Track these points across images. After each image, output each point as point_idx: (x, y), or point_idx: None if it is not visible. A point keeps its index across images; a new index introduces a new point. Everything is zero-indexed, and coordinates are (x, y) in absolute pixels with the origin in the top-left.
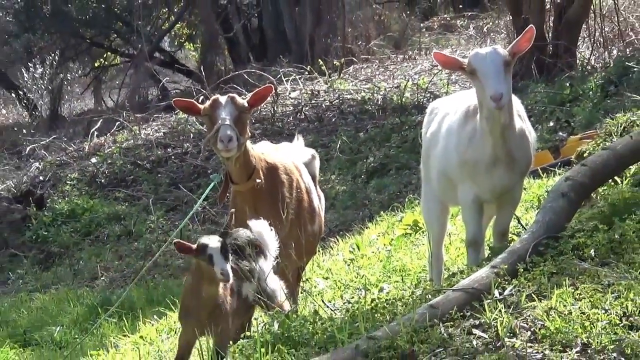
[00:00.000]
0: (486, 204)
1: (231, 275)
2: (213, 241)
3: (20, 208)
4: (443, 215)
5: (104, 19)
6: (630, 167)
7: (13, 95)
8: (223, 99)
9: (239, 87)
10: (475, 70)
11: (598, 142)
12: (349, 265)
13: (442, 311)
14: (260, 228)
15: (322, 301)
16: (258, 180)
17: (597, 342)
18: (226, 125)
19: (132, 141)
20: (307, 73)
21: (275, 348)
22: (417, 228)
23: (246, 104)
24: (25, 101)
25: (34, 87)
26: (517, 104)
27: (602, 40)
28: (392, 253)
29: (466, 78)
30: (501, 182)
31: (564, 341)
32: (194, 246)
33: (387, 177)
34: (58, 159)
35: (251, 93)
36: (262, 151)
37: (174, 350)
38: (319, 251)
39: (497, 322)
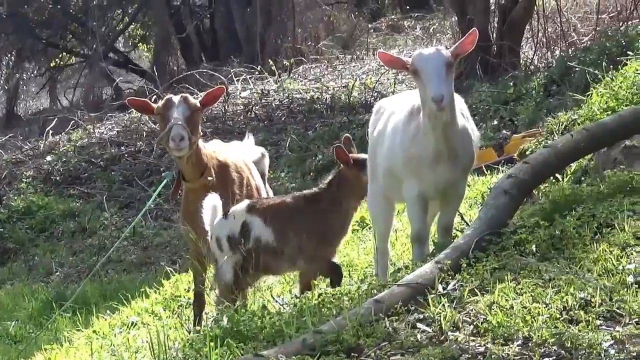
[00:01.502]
0: (431, 201)
1: None
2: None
3: None
4: (389, 211)
5: (60, 20)
6: (571, 164)
7: None
8: (176, 98)
9: (191, 87)
10: (418, 70)
11: (540, 140)
12: None
13: (387, 306)
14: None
15: (271, 296)
16: (209, 178)
17: (538, 335)
18: (178, 125)
19: (86, 140)
20: (257, 73)
21: (225, 342)
22: (364, 224)
23: (198, 104)
24: None
25: None
26: (460, 102)
27: (545, 40)
28: (339, 249)
29: (411, 77)
30: (444, 178)
31: (505, 335)
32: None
33: None
34: (14, 157)
35: (204, 93)
36: (214, 149)
37: (128, 345)
38: None
39: (440, 316)
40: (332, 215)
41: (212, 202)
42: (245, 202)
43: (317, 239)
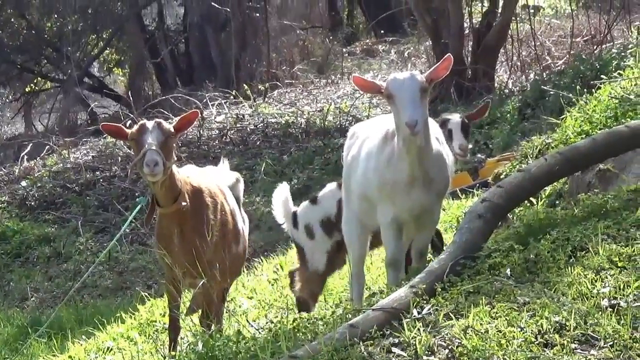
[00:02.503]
0: (406, 225)
1: None
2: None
3: None
4: (364, 236)
5: (35, 45)
6: (545, 188)
7: None
8: (150, 124)
9: (166, 112)
10: (392, 95)
11: (514, 164)
12: (272, 285)
13: (362, 330)
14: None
15: (247, 320)
16: (184, 203)
17: (513, 359)
18: (152, 150)
19: (61, 165)
20: (232, 97)
21: None
22: None
23: (172, 129)
24: None
25: None
26: (434, 127)
27: (519, 64)
28: None
29: (386, 102)
30: (419, 202)
31: (480, 359)
32: None
33: None
34: None
35: (178, 118)
36: (188, 175)
37: None
38: (243, 271)
39: (415, 340)
40: None
41: (283, 194)
42: (334, 183)
43: None
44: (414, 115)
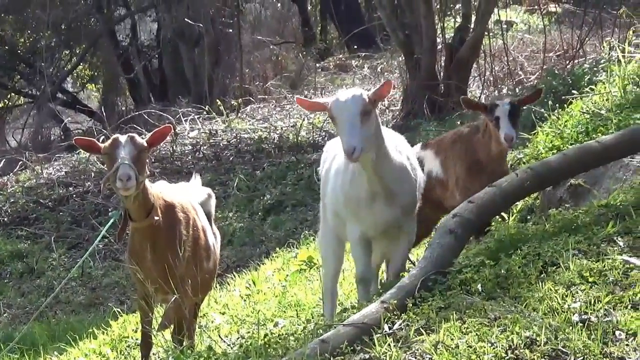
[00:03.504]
0: (376, 242)
1: None
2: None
3: None
4: (339, 250)
5: (8, 60)
6: (517, 203)
7: None
8: (123, 138)
9: (139, 127)
10: (334, 118)
11: None
12: (245, 300)
13: (333, 346)
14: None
15: (219, 336)
16: (156, 218)
17: None
18: (125, 165)
19: (34, 180)
20: (205, 113)
21: None
22: (312, 264)
23: (145, 144)
24: None
25: None
26: (398, 140)
27: (492, 79)
28: (287, 288)
29: None
30: (382, 217)
31: None
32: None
33: (284, 214)
34: None
35: (150, 133)
36: (160, 190)
37: None
38: (216, 287)
39: (386, 356)
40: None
41: None
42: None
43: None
44: (351, 143)
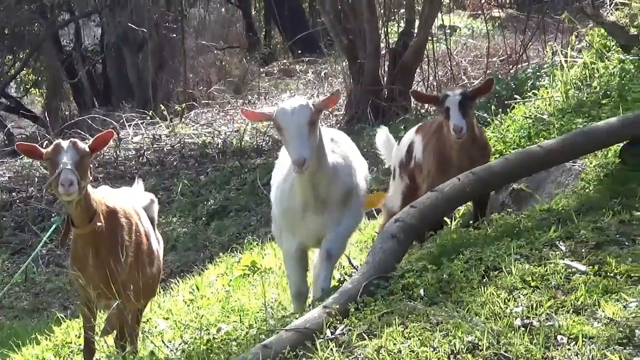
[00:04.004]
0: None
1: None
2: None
3: None
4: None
5: None
6: (459, 208)
7: None
8: (65, 143)
9: (82, 132)
10: (280, 128)
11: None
12: (188, 305)
13: (275, 351)
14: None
15: (162, 341)
16: (99, 224)
17: None
18: (67, 170)
19: None
20: (149, 118)
21: None
22: (255, 269)
23: (87, 149)
24: None
25: None
26: (336, 137)
27: (435, 84)
28: (230, 293)
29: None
30: (315, 227)
31: None
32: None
33: (227, 219)
34: None
35: (93, 138)
36: (103, 195)
37: None
38: (159, 292)
39: None
40: None
41: (382, 135)
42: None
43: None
44: (302, 153)
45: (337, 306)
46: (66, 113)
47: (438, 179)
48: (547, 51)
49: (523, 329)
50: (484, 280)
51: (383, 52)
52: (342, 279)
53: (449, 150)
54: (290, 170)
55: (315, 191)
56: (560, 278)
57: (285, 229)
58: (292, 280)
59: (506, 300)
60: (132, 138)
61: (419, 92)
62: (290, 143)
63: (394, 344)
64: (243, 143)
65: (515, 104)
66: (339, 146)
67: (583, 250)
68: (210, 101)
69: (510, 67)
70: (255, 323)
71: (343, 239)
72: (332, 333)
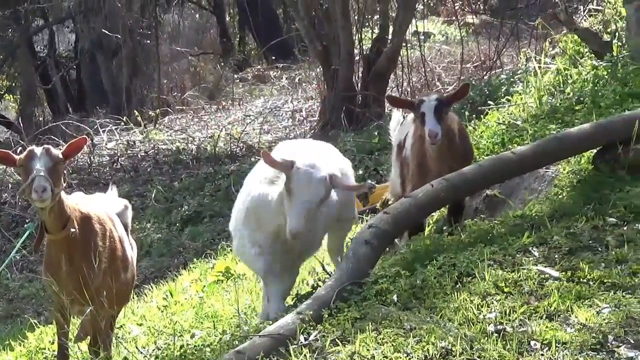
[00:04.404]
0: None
1: None
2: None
3: None
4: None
5: None
6: (433, 214)
7: None
8: (38, 150)
9: (56, 138)
10: (290, 189)
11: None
12: (162, 311)
13: (249, 357)
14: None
15: (136, 347)
16: (72, 230)
17: None
18: (40, 176)
19: None
20: (123, 124)
21: None
22: (229, 275)
23: (61, 155)
24: None
25: None
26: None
27: (409, 90)
28: (204, 299)
29: (276, 126)
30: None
31: None
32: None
33: (201, 225)
34: None
35: (66, 144)
36: (76, 201)
37: None
38: (133, 298)
39: None
40: None
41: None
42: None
43: None
44: (298, 227)
45: (311, 312)
46: (40, 119)
47: (418, 183)
48: (520, 57)
49: (496, 334)
50: (457, 286)
51: (357, 58)
52: (315, 285)
53: (428, 159)
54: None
55: (290, 250)
56: (534, 284)
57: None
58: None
59: (479, 306)
60: (106, 144)
61: (394, 96)
62: (293, 212)
63: (368, 350)
64: (217, 149)
65: (489, 110)
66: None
67: (556, 256)
68: (184, 107)
69: (484, 73)
70: (229, 329)
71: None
72: (305, 339)
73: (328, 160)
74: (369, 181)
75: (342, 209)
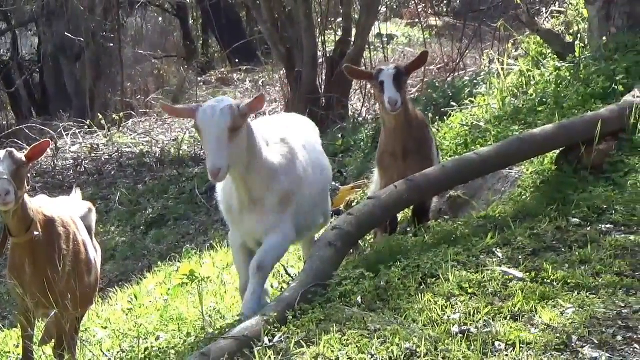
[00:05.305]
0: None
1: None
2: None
3: None
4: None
5: None
6: (396, 215)
7: None
8: (1, 153)
9: (20, 142)
10: (200, 130)
11: (366, 191)
12: (127, 314)
13: (213, 358)
14: None
15: (100, 350)
16: (36, 233)
17: None
18: (4, 180)
19: None
20: (87, 127)
21: None
22: (194, 278)
23: (24, 158)
24: None
25: None
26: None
27: (373, 92)
28: (169, 302)
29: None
30: (252, 227)
31: None
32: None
33: (166, 228)
34: None
35: (29, 147)
36: (40, 205)
37: None
38: (98, 301)
39: None
40: None
41: None
42: None
43: None
44: (216, 163)
45: (275, 314)
46: (3, 123)
47: (382, 177)
48: (484, 59)
49: (461, 335)
50: (422, 287)
51: (320, 60)
52: (279, 287)
53: (387, 137)
54: None
55: (249, 193)
56: (498, 285)
57: (230, 225)
58: (239, 273)
59: (444, 307)
60: (69, 147)
61: (352, 67)
62: (207, 149)
63: (332, 352)
64: (181, 152)
65: (452, 111)
66: (287, 145)
67: (520, 257)
68: (148, 110)
69: (448, 75)
70: (194, 332)
71: (276, 249)
72: (270, 341)
73: (296, 132)
74: (333, 183)
75: (289, 198)
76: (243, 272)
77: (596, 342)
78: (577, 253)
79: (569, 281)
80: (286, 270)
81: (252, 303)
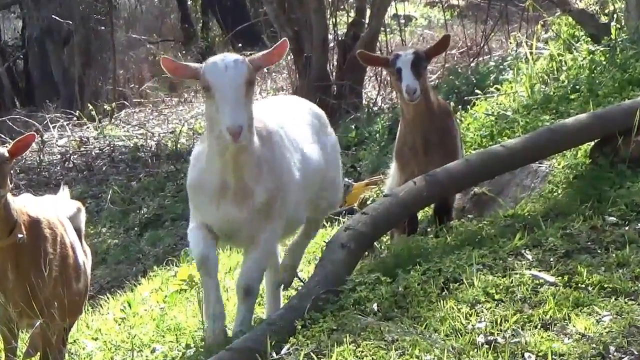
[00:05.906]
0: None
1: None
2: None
3: None
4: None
5: None
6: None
7: None
8: None
9: (3, 135)
10: (210, 87)
11: (382, 188)
12: (120, 324)
13: None
14: None
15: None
16: (20, 236)
17: None
18: None
19: None
20: (76, 119)
21: None
22: (193, 283)
23: (7, 154)
24: None
25: None
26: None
27: (389, 79)
28: (166, 311)
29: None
30: (228, 218)
31: None
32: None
33: (162, 229)
34: None
35: (13, 141)
36: (24, 204)
37: None
38: (87, 310)
39: None
40: None
41: None
42: None
43: None
44: (238, 120)
45: (283, 323)
46: None
47: (401, 173)
48: (510, 42)
49: (487, 346)
50: (444, 293)
51: (331, 44)
52: (287, 294)
53: (405, 127)
54: (203, 138)
55: (238, 174)
56: (527, 290)
57: (193, 208)
58: (195, 248)
59: (468, 315)
60: (57, 141)
61: (366, 52)
62: (223, 107)
63: None
64: (179, 145)
65: (476, 100)
66: (276, 135)
67: (551, 260)
68: (142, 100)
69: (471, 59)
70: (193, 343)
71: (261, 265)
72: (277, 353)
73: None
74: (346, 179)
75: (275, 199)
76: (197, 245)
77: (636, 352)
78: (614, 255)
79: (605, 286)
80: (297, 274)
81: (244, 326)
